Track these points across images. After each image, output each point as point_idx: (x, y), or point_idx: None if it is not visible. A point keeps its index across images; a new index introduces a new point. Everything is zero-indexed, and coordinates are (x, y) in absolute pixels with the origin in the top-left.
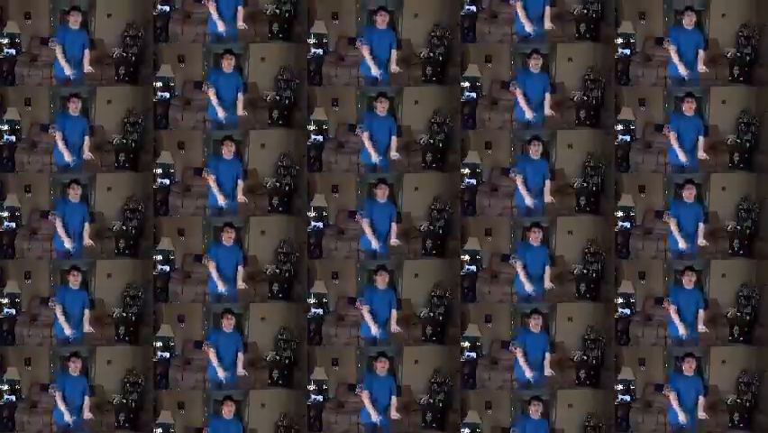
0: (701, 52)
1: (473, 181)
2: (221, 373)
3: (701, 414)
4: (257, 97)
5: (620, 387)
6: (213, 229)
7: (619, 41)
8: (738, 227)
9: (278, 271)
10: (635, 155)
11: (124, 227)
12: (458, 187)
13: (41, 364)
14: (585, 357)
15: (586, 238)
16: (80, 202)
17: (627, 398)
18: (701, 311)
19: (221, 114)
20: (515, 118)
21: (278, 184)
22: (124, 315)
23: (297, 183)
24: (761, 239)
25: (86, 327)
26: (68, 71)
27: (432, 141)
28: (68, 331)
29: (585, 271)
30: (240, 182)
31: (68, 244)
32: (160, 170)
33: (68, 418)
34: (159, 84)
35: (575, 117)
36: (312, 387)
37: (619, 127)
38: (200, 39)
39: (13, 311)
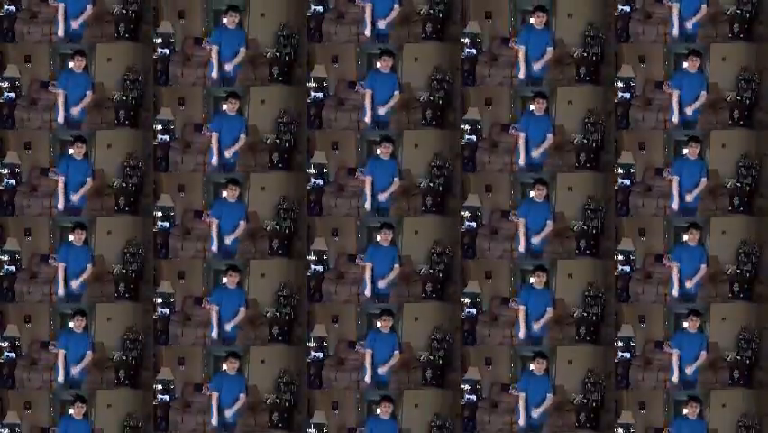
0: (703, 95)
1: (473, 224)
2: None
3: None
4: (257, 140)
5: (620, 344)
6: (213, 272)
7: (620, 84)
8: (738, 184)
9: (278, 227)
10: (635, 198)
11: (124, 270)
12: (458, 229)
13: (40, 322)
14: (585, 314)
15: (586, 195)
16: (83, 246)
17: (627, 355)
18: (703, 266)
19: (222, 156)
20: (514, 161)
21: (278, 227)
22: (124, 358)
23: (296, 226)
24: (761, 195)
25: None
26: (61, 119)
27: (432, 183)
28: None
29: (585, 227)
30: (242, 223)
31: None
32: (159, 213)
33: (62, 376)
34: (159, 127)
35: (575, 160)
36: (312, 344)
37: (620, 171)
38: (200, 81)
39: (13, 268)
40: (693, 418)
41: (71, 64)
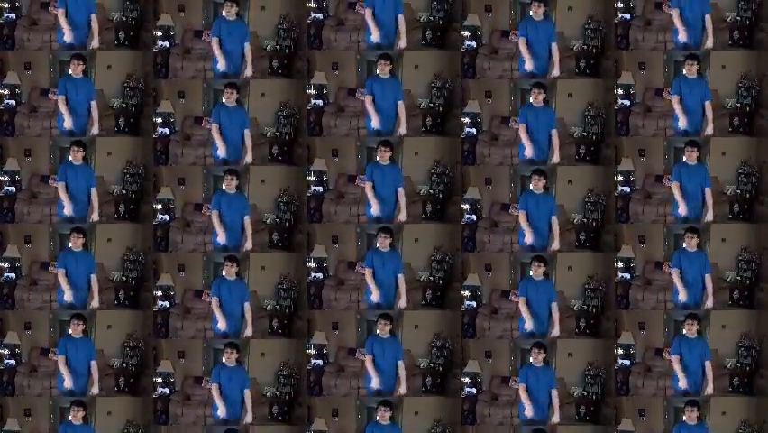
0: (707, 105)
1: (473, 217)
2: (222, 325)
3: (709, 379)
4: (257, 134)
5: (620, 351)
6: (213, 265)
7: (620, 91)
8: (738, 191)
9: (279, 221)
10: (636, 205)
11: (124, 277)
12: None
13: (41, 329)
14: (585, 306)
15: (587, 187)
16: (83, 251)
17: (627, 362)
18: (707, 276)
19: (223, 152)
20: (515, 155)
21: (278, 220)
22: (123, 361)
23: (297, 219)
24: (761, 203)
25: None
26: (69, 124)
27: (432, 191)
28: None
29: (585, 220)
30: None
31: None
32: (160, 206)
33: (69, 383)
34: (159, 120)
35: (575, 153)
36: (312, 351)
37: (620, 178)
38: (200, 75)
39: (13, 275)
40: (693, 423)
41: (70, 70)
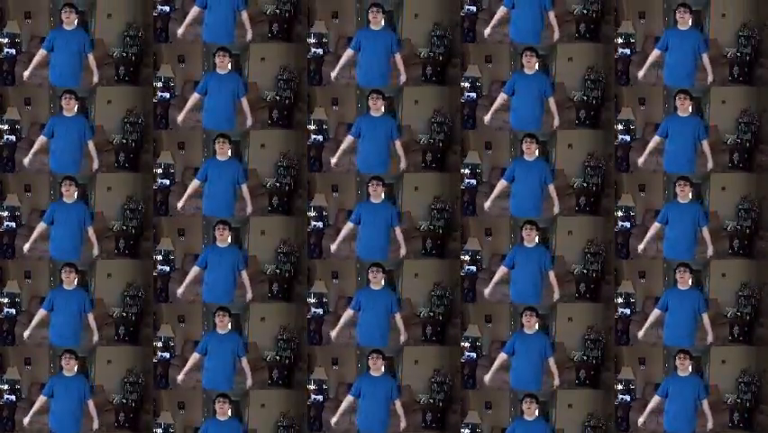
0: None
1: (473, 181)
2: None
3: (707, 413)
4: (256, 98)
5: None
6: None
7: (620, 126)
8: (738, 227)
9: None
10: (635, 241)
11: (124, 313)
12: (457, 273)
13: (40, 364)
14: (585, 270)
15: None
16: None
17: (627, 311)
18: (704, 315)
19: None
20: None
21: (278, 184)
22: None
23: (297, 181)
24: (761, 238)
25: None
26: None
27: (432, 226)
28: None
29: (585, 184)
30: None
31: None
32: (160, 170)
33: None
34: (159, 84)
35: (575, 117)
36: (312, 387)
37: (619, 213)
38: (200, 39)
39: (13, 311)
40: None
41: (63, 104)
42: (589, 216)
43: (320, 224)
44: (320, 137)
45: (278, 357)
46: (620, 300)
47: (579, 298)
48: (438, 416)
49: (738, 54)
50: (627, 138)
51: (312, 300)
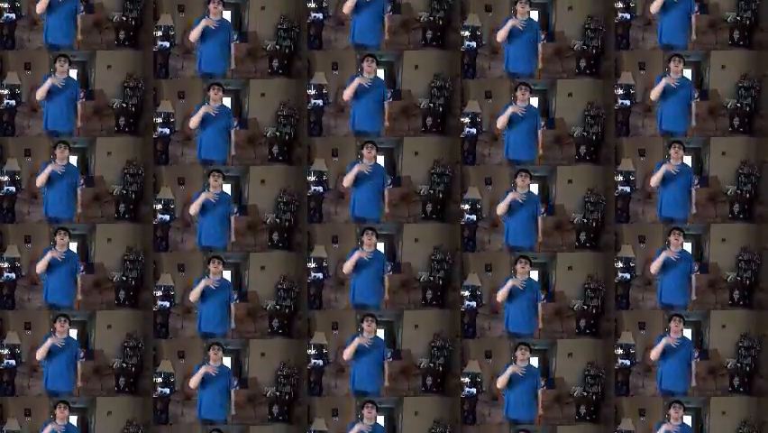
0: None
1: (473, 217)
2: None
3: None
4: (257, 133)
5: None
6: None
7: (619, 91)
8: (738, 191)
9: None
10: (636, 205)
11: (124, 277)
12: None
13: (40, 329)
14: (585, 306)
15: (585, 187)
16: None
17: (627, 362)
18: (693, 276)
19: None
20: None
21: (278, 220)
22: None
23: (296, 219)
24: (761, 202)
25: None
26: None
27: (432, 191)
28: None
29: (585, 220)
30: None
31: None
32: (160, 206)
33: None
34: (158, 120)
35: (575, 153)
36: (312, 351)
37: (620, 178)
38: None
39: (13, 276)
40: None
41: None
42: (590, 251)
43: (320, 274)
44: (320, 188)
45: (277, 393)
46: (620, 351)
47: (579, 333)
48: (438, 380)
49: (738, 18)
50: (628, 188)
51: (312, 351)
